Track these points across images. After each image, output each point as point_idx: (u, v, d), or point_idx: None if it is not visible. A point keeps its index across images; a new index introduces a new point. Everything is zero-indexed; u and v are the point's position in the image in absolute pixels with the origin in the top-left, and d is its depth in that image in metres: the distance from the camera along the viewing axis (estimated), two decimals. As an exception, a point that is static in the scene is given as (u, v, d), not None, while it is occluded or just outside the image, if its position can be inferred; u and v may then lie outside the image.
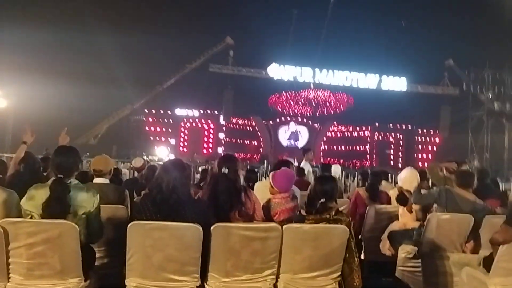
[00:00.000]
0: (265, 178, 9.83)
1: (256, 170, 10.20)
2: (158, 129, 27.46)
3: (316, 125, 31.07)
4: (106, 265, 3.80)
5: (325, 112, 30.60)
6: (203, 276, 3.02)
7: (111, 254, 3.87)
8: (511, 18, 20.28)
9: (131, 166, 6.47)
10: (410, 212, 4.67)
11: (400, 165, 27.49)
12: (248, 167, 9.98)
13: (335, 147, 29.62)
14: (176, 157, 15.01)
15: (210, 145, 28.69)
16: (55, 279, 2.90)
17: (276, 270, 3.11)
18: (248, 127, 30.55)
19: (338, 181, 7.18)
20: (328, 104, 30.08)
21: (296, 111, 30.72)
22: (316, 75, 27.46)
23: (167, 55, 24.07)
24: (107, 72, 20.54)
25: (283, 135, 30.71)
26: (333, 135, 31.13)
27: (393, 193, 5.33)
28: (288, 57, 26.32)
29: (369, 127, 30.07)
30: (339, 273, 3.18)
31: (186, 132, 28.32)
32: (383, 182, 6.28)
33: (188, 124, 28.37)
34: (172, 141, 27.48)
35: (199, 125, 28.64)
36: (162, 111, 27.65)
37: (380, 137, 30.21)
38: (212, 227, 2.91)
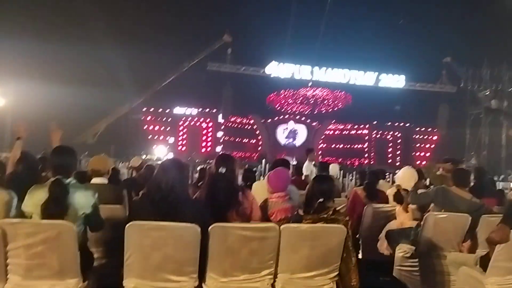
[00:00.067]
0: (264, 177, 9.85)
1: (254, 169, 10.24)
2: (157, 128, 27.43)
3: (314, 124, 31.09)
4: (105, 266, 3.80)
5: (324, 110, 30.61)
6: (201, 276, 3.03)
7: (109, 254, 3.87)
8: (508, 15, 20.30)
9: (130, 165, 6.47)
10: (406, 211, 4.69)
11: (398, 163, 27.56)
12: (247, 166, 10.01)
13: (333, 145, 29.65)
14: (174, 157, 15.04)
15: (209, 143, 28.69)
16: (53, 280, 2.91)
17: (274, 270, 3.12)
18: (246, 126, 30.55)
19: (336, 180, 7.22)
20: (326, 102, 30.08)
21: (294, 109, 30.73)
22: (314, 73, 27.45)
23: (165, 53, 24.02)
24: (106, 71, 20.51)
25: (282, 134, 30.72)
26: (332, 133, 31.16)
27: (390, 192, 5.35)
28: (287, 55, 26.29)
29: (367, 125, 30.10)
30: (336, 273, 3.20)
31: (185, 130, 28.31)
32: (381, 181, 6.30)
33: (186, 122, 28.36)
34: (171, 140, 27.47)
35: (198, 123, 28.63)
36: (160, 110, 27.62)
37: (378, 135, 30.26)
38: (210, 227, 2.92)
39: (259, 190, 4.10)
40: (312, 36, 25.26)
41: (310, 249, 3.11)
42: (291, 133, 30.72)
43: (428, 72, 28.13)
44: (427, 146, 30.11)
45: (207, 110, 28.63)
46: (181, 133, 28.26)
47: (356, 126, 30.59)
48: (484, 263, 3.38)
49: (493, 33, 22.27)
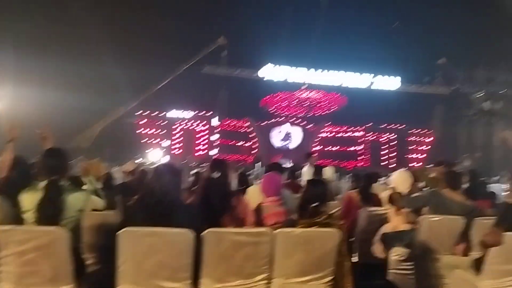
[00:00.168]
0: (258, 181, 9.84)
1: (249, 173, 10.25)
2: (151, 131, 27.38)
3: (309, 126, 31.14)
4: (98, 272, 3.76)
5: (319, 113, 30.66)
6: (195, 282, 3.01)
7: (103, 260, 3.84)
8: (502, 17, 20.44)
9: (123, 170, 6.43)
10: (399, 214, 4.69)
11: (393, 165, 27.64)
12: (241, 170, 10.00)
13: (328, 147, 29.68)
14: (168, 161, 14.99)
15: (204, 147, 28.66)
16: (46, 287, 2.89)
17: (269, 275, 3.12)
18: (241, 129, 30.53)
19: (331, 183, 7.21)
20: (321, 105, 30.13)
21: (289, 112, 30.76)
22: (309, 75, 27.52)
23: (160, 56, 23.96)
24: (100, 74, 20.43)
25: (277, 136, 30.73)
26: (326, 135, 31.20)
27: (385, 195, 5.34)
28: (281, 57, 26.33)
29: (362, 127, 30.19)
30: (331, 277, 3.20)
31: (180, 134, 28.27)
32: (375, 184, 6.30)
33: (181, 126, 28.31)
34: (166, 143, 27.42)
35: (192, 127, 28.60)
36: (155, 113, 27.57)
37: (373, 137, 30.35)
38: (203, 233, 2.91)
39: (254, 194, 4.10)
40: (307, 39, 25.34)
41: (304, 254, 3.11)
42: (286, 135, 30.75)
43: (423, 74, 28.28)
44: (422, 147, 30.20)
45: (202, 113, 28.61)
46: (175, 136, 28.21)
47: (351, 128, 30.66)
48: (477, 266, 3.40)
49: (488, 36, 22.43)
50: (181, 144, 28.23)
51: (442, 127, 28.77)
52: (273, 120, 30.84)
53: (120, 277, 2.92)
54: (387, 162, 29.54)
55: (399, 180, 5.43)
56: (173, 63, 26.01)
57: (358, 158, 29.99)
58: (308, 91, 28.51)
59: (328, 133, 31.18)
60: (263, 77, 27.02)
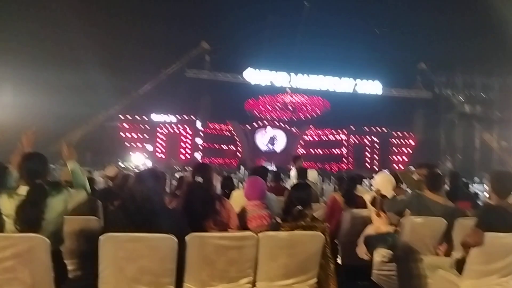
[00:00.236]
0: (243, 184, 9.84)
1: (232, 175, 10.22)
2: (134, 135, 27.14)
3: (293, 129, 31.27)
4: (79, 278, 3.71)
5: (302, 116, 30.82)
6: (179, 287, 2.98)
7: (84, 266, 3.79)
8: (480, 23, 20.89)
9: (104, 175, 6.34)
10: (379, 216, 4.74)
11: (376, 167, 27.94)
12: (225, 173, 9.98)
13: (312, 150, 29.83)
14: (150, 167, 14.86)
15: (188, 150, 28.52)
16: (26, 294, 2.82)
17: (253, 278, 3.11)
18: (225, 132, 30.50)
19: (315, 186, 7.24)
20: (304, 108, 30.31)
21: (273, 115, 30.85)
22: (292, 79, 27.67)
23: (142, 60, 23.82)
24: (81, 78, 20.17)
25: (261, 140, 30.78)
26: (310, 139, 31.39)
27: (368, 197, 5.38)
28: (264, 61, 26.44)
29: (345, 130, 30.44)
30: (315, 280, 3.20)
31: (163, 138, 28.09)
32: (359, 186, 6.35)
33: (165, 129, 28.15)
34: (149, 147, 27.21)
35: (176, 130, 28.45)
36: (138, 117, 27.35)
37: (356, 140, 30.62)
38: (187, 237, 2.88)
39: (238, 198, 4.08)
40: (290, 43, 25.52)
41: (288, 257, 3.10)
42: (271, 139, 30.83)
43: (404, 78, 28.71)
44: (404, 150, 30.60)
45: (186, 117, 28.49)
46: (159, 140, 28.03)
47: (334, 132, 30.90)
48: (459, 266, 3.43)
49: (466, 41, 22.88)
50: (165, 148, 28.05)
51: (423, 130, 29.22)
52: (256, 124, 30.91)
53: (102, 283, 2.87)
54: (370, 164, 29.81)
55: (382, 182, 5.48)
56: (156, 67, 25.89)
57: (342, 161, 30.22)
58: (291, 95, 28.65)
59: (312, 136, 31.37)
60: (247, 81, 27.05)
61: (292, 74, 27.50)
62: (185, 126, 28.47)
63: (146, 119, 27.63)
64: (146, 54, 23.27)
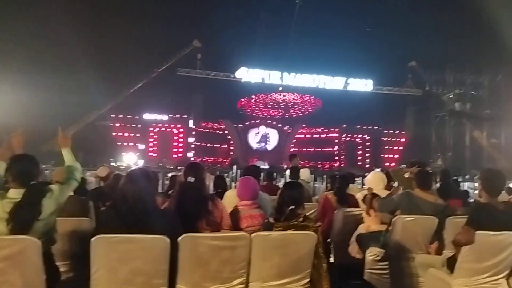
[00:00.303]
0: (235, 183, 9.81)
1: (226, 175, 10.20)
2: (126, 134, 27.02)
3: (285, 128, 31.31)
4: (71, 280, 3.69)
5: (294, 115, 30.88)
6: (171, 288, 2.97)
7: (76, 267, 3.77)
8: (470, 22, 21.05)
9: (96, 175, 6.30)
10: (369, 214, 4.76)
11: (368, 165, 28.07)
12: (218, 172, 9.95)
13: (304, 149, 29.92)
14: (141, 166, 14.78)
15: (180, 149, 28.45)
16: (16, 298, 2.79)
17: (246, 278, 3.10)
18: (218, 131, 30.47)
19: (307, 185, 7.25)
20: (296, 107, 30.37)
21: (265, 113, 30.87)
22: (284, 78, 27.70)
23: (134, 59, 23.71)
24: (72, 78, 20.03)
25: (253, 138, 30.79)
26: (303, 137, 31.45)
27: (360, 196, 5.41)
28: (256, 60, 26.46)
29: (337, 128, 30.54)
30: (308, 279, 3.20)
31: (155, 136, 27.99)
32: (351, 185, 6.37)
33: (157, 128, 28.05)
34: (141, 146, 27.10)
35: (168, 129, 28.35)
36: (129, 116, 27.22)
37: (348, 138, 30.74)
38: (179, 238, 2.87)
39: (231, 198, 4.07)
40: (282, 42, 25.55)
41: (281, 257, 3.10)
42: (263, 137, 30.85)
43: (395, 76, 28.88)
44: (395, 148, 30.79)
45: (178, 115, 28.41)
46: (151, 139, 27.93)
47: (326, 130, 31.00)
48: (451, 264, 3.46)
49: (456, 39, 23.07)
50: (157, 147, 27.96)
51: (414, 127, 29.41)
52: (248, 123, 30.90)
53: (94, 284, 2.85)
54: (362, 162, 29.96)
55: (374, 180, 5.51)
56: (147, 66, 25.78)
57: (334, 159, 30.32)
58: (283, 94, 28.69)
59: (304, 134, 31.44)
60: (240, 79, 27.02)
61: (284, 72, 27.51)
62: (177, 125, 28.39)
63: (138, 118, 27.50)
64: (138, 53, 23.18)
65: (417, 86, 29.09)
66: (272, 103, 29.90)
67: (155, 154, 27.46)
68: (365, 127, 30.49)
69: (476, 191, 8.13)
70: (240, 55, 25.98)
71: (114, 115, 26.61)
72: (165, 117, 28.20)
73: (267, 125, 31.04)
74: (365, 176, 7.21)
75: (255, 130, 30.90)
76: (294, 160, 8.23)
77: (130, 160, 23.98)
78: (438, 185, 5.98)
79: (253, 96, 29.20)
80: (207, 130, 29.92)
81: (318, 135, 31.23)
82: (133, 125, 27.42)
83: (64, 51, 19.77)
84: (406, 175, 5.08)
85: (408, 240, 4.12)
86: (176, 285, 2.96)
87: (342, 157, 30.47)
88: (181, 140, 28.50)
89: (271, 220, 3.30)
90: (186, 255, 2.92)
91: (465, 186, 11.49)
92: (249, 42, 25.60)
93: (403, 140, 30.61)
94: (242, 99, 29.22)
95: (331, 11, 25.45)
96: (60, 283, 3.28)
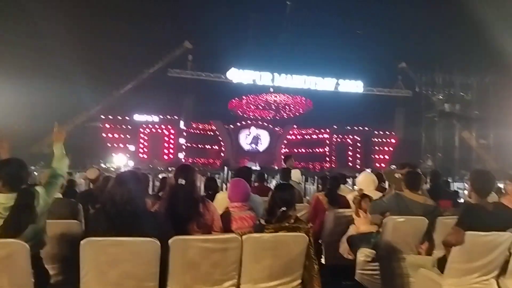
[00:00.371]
0: (226, 184, 9.80)
1: (217, 176, 10.19)
2: (116, 135, 26.84)
3: (276, 129, 31.34)
4: (61, 283, 3.66)
5: (285, 116, 30.93)
6: (162, 291, 2.95)
7: (66, 271, 3.74)
8: (459, 23, 21.26)
9: (85, 177, 6.25)
10: (358, 215, 4.78)
11: (358, 166, 28.21)
12: (209, 174, 9.93)
13: (295, 150, 29.95)
14: (130, 168, 14.68)
15: (171, 150, 28.33)
16: (4, 301, 2.76)
17: (237, 280, 3.09)
18: (209, 132, 30.39)
19: (298, 186, 7.26)
20: (287, 108, 30.41)
21: (256, 114, 30.87)
22: (275, 79, 27.71)
23: (124, 59, 23.56)
24: (61, 78, 19.83)
25: (244, 139, 30.76)
26: (294, 138, 31.50)
27: (351, 197, 5.42)
28: (247, 61, 26.44)
29: (328, 129, 30.63)
30: (299, 281, 3.20)
31: (146, 138, 27.85)
32: (342, 186, 6.39)
33: (147, 130, 27.90)
34: (131, 147, 26.93)
35: (159, 130, 28.23)
36: (119, 117, 27.04)
37: (339, 139, 30.85)
38: (170, 241, 2.85)
39: (223, 201, 4.06)
40: (273, 43, 25.57)
41: (272, 258, 3.10)
42: (254, 138, 30.83)
43: (385, 78, 29.05)
44: (386, 148, 30.95)
45: (169, 116, 28.30)
46: (142, 140, 27.78)
47: (317, 131, 31.08)
48: (441, 264, 3.48)
49: (445, 41, 23.29)
50: (148, 148, 27.82)
51: (404, 128, 29.61)
52: (239, 124, 30.87)
53: (83, 288, 2.82)
54: (353, 163, 30.08)
55: (365, 182, 5.53)
56: (138, 66, 25.64)
57: (325, 160, 30.41)
58: (274, 95, 28.71)
59: (295, 135, 31.49)
60: (231, 80, 27.00)
61: (275, 74, 27.53)
62: (168, 126, 28.27)
63: (128, 119, 27.34)
64: (128, 54, 23.04)
65: (407, 87, 29.28)
66: (263, 104, 29.90)
67: (145, 156, 27.30)
68: (356, 128, 30.61)
69: (466, 192, 8.21)
70: (231, 56, 25.94)
71: (104, 116, 26.42)
72: (155, 118, 28.06)
73: (258, 126, 31.03)
74: (356, 177, 7.24)
75: (246, 131, 30.88)
76: (289, 161, 8.25)
77: (120, 161, 23.82)
78: (428, 186, 6.03)
79: (244, 97, 29.17)
80: (198, 131, 29.83)
81: (309, 136, 31.29)
82: (123, 126, 27.24)
83: (52, 52, 19.55)
84: (397, 175, 5.11)
85: (398, 240, 4.14)
86: (166, 288, 2.94)
87: (333, 158, 30.55)
88: (172, 141, 28.38)
89: (263, 221, 3.30)
90: (177, 257, 2.90)
91: (455, 186, 11.58)
92: (240, 43, 25.59)
93: (393, 141, 30.78)
94: (233, 100, 29.18)
95: (322, 12, 25.52)
96: (49, 286, 3.25)
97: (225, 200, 3.82)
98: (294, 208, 3.39)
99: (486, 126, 26.25)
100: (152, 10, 24.25)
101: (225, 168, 12.33)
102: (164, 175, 9.47)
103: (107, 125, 26.64)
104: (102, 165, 20.94)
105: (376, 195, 5.18)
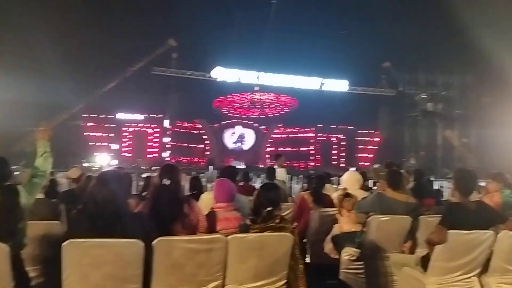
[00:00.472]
0: (211, 183, 9.74)
1: (202, 175, 10.14)
2: (99, 134, 26.53)
3: (261, 127, 31.36)
4: (42, 285, 3.59)
5: (270, 114, 30.98)
6: (146, 293, 2.91)
7: (47, 273, 3.67)
8: (441, 25, 21.56)
9: (67, 177, 6.14)
10: (341, 214, 4.80)
11: (343, 164, 28.42)
12: (194, 173, 9.88)
13: (280, 148, 30.03)
14: (112, 168, 14.50)
15: (155, 149, 28.12)
16: (-17, 305, 2.69)
17: (222, 281, 3.07)
18: (193, 131, 30.27)
19: (284, 185, 7.26)
20: (272, 106, 30.47)
21: (241, 113, 30.84)
22: (260, 78, 27.72)
23: (107, 57, 23.26)
24: (42, 76, 19.48)
25: (229, 138, 30.72)
26: (279, 137, 31.57)
27: (336, 196, 5.44)
28: (232, 59, 26.38)
29: (312, 128, 30.78)
30: (284, 281, 3.20)
31: (130, 136, 27.58)
32: (327, 185, 6.41)
33: (131, 128, 27.63)
34: (115, 146, 26.65)
35: (143, 129, 27.99)
36: (102, 116, 26.72)
37: (323, 138, 31.03)
38: (154, 242, 2.82)
39: (208, 201, 4.03)
40: (258, 42, 25.56)
41: (258, 259, 3.09)
42: (239, 137, 30.82)
43: (369, 77, 29.30)
44: (370, 147, 31.25)
45: (153, 115, 28.08)
46: (125, 139, 27.50)
47: (302, 130, 31.20)
48: (424, 263, 3.51)
49: (428, 41, 23.59)
50: (131, 147, 27.56)
51: (388, 127, 29.92)
52: (225, 122, 30.80)
53: (65, 291, 2.77)
54: (337, 161, 30.30)
55: (349, 181, 5.56)
56: (121, 64, 25.35)
57: (310, 158, 30.56)
58: (260, 93, 28.71)
59: (280, 134, 31.57)
60: (215, 79, 26.89)
61: (260, 72, 27.53)
62: (152, 124, 28.07)
63: (111, 117, 27.04)
64: (111, 51, 22.74)
65: (391, 86, 29.59)
66: (248, 102, 29.90)
67: (129, 154, 27.06)
68: (340, 126, 30.85)
69: (448, 189, 8.33)
70: (216, 54, 25.84)
71: (86, 115, 26.08)
72: (139, 117, 27.82)
73: (243, 125, 31.02)
74: (340, 176, 7.28)
75: (231, 130, 30.84)
76: (279, 160, 8.27)
77: (103, 160, 23.54)
78: (412, 184, 6.09)
79: (229, 96, 29.12)
80: (183, 130, 29.69)
81: (294, 135, 31.42)
82: (106, 125, 26.94)
83: (33, 49, 19.21)
84: (383, 174, 5.15)
85: (382, 239, 4.17)
86: (150, 289, 2.90)
87: (317, 156, 30.74)
88: (156, 140, 28.18)
89: (248, 222, 3.28)
90: (161, 258, 2.86)
91: (437, 185, 11.74)
92: (225, 41, 25.51)
93: (377, 139, 31.10)
94: (218, 99, 29.11)
95: (307, 11, 25.62)
96: (31, 288, 3.19)
97: (211, 201, 3.80)
98: (279, 208, 3.39)
99: (468, 125, 26.69)
100: (135, 6, 24.00)
101: (210, 167, 12.29)
102: (148, 174, 9.37)
103: (90, 124, 26.31)
104: (85, 164, 20.66)
105: (360, 194, 5.21)
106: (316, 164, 29.27)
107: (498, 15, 17.02)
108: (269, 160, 28.48)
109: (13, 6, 18.69)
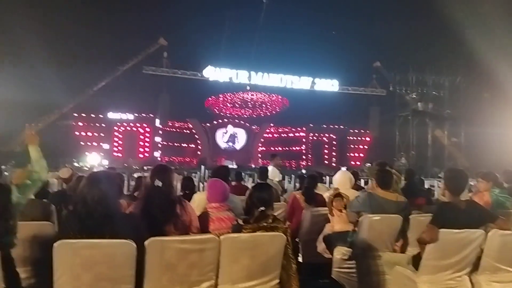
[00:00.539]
0: (203, 183, 9.74)
1: (194, 175, 10.12)
2: (90, 134, 26.34)
3: (253, 127, 31.37)
4: (33, 286, 3.55)
5: (262, 114, 30.99)
6: (138, 293, 2.90)
7: (38, 274, 3.62)
8: (431, 26, 21.73)
9: (58, 177, 6.08)
10: (332, 214, 4.82)
11: (334, 164, 28.53)
12: (186, 173, 9.85)
13: (272, 148, 30.08)
14: (103, 168, 14.43)
15: (147, 149, 27.99)
16: (-28, 307, 2.66)
17: (214, 281, 3.07)
18: (185, 130, 30.18)
19: (276, 184, 7.26)
20: (264, 106, 30.48)
21: (233, 113, 30.82)
22: (251, 77, 27.72)
23: (97, 56, 23.13)
24: (32, 75, 19.29)
25: (221, 138, 30.67)
26: (270, 136, 31.60)
27: (327, 195, 5.46)
28: (223, 59, 26.36)
29: (304, 128, 30.84)
30: (277, 281, 3.20)
31: (120, 136, 27.41)
32: (319, 184, 6.43)
33: (122, 128, 27.47)
34: (106, 146, 26.48)
35: (134, 128, 27.84)
36: (93, 115, 26.54)
37: (315, 137, 31.11)
38: (146, 242, 2.80)
39: (200, 201, 4.02)
40: (249, 42, 25.57)
41: (250, 258, 3.08)
42: (231, 137, 30.78)
43: (360, 77, 29.48)
44: (361, 146, 31.40)
45: (144, 114, 27.94)
46: (116, 138, 27.34)
47: (293, 129, 31.26)
48: (416, 262, 3.54)
49: (418, 41, 23.77)
50: (122, 146, 27.40)
51: (379, 126, 30.09)
52: (216, 122, 30.75)
53: (57, 292, 2.74)
54: (329, 161, 30.40)
55: (341, 180, 5.58)
56: (112, 64, 25.19)
57: (301, 158, 30.62)
58: (251, 93, 28.72)
59: (272, 134, 31.60)
60: (208, 78, 26.84)
61: (252, 72, 27.53)
62: (144, 124, 27.92)
63: (102, 117, 26.86)
64: (102, 50, 22.63)
65: (382, 86, 29.77)
66: (239, 102, 29.88)
67: (120, 154, 26.90)
68: (331, 126, 30.95)
69: (439, 188, 8.41)
70: (207, 54, 25.83)
71: (77, 114, 25.87)
72: (130, 116, 27.66)
73: (235, 125, 31.00)
74: (332, 175, 7.30)
75: (223, 129, 30.80)
76: (274, 160, 8.30)
77: (94, 160, 23.39)
78: (403, 184, 6.13)
79: (220, 95, 29.08)
80: (174, 130, 29.58)
81: (285, 135, 31.47)
82: (96, 124, 26.75)
83: (23, 48, 19.03)
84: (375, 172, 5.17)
85: (374, 238, 4.19)
86: (143, 290, 2.89)
87: (309, 156, 30.81)
88: (147, 139, 28.04)
89: (241, 221, 3.28)
90: (153, 259, 2.85)
91: (428, 184, 11.83)
92: (216, 41, 25.47)
93: (368, 139, 31.25)
94: (210, 98, 29.05)
95: (298, 12, 25.69)
96: (21, 289, 3.15)
97: (203, 201, 3.78)
98: (272, 208, 3.39)
99: (458, 124, 26.94)
100: (126, 5, 23.87)
101: (202, 167, 12.26)
102: (139, 174, 9.33)
103: (80, 123, 26.12)
104: (75, 164, 20.53)
105: (352, 193, 5.23)
106: (308, 164, 29.34)
107: (488, 16, 17.20)
108: (261, 159, 28.52)
109: (1, 5, 18.48)
